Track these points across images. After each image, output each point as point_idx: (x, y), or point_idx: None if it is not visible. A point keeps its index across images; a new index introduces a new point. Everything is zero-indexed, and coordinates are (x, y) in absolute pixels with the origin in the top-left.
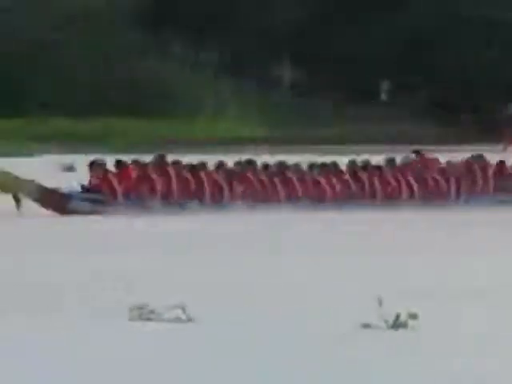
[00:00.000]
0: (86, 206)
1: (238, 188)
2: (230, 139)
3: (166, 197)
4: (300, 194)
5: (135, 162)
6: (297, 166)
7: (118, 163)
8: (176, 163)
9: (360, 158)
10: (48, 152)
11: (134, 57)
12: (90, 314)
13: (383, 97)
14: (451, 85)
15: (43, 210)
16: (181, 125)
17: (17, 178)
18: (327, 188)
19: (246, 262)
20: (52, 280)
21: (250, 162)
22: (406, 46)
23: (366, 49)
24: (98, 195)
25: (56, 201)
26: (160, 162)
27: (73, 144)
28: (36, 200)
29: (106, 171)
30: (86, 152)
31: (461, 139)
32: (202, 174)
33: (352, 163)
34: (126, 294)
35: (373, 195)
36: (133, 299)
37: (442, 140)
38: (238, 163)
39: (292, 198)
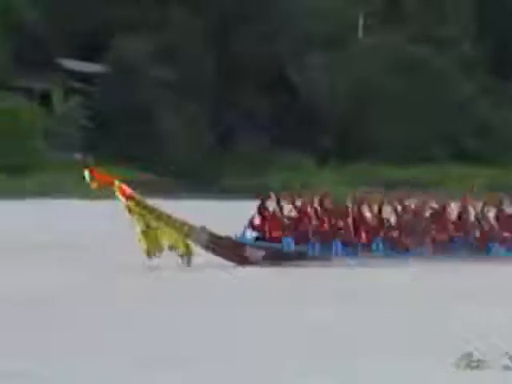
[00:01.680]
0: (262, 254)
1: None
2: None
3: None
4: None
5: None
6: None
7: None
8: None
9: None
10: None
11: (486, 105)
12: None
13: None
14: None
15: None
16: None
17: (186, 224)
18: None
19: None
20: None
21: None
22: None
23: None
24: (275, 244)
25: (229, 249)
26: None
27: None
28: (207, 248)
29: (275, 214)
30: None
31: None
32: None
33: None
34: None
35: None
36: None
37: None
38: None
39: None
